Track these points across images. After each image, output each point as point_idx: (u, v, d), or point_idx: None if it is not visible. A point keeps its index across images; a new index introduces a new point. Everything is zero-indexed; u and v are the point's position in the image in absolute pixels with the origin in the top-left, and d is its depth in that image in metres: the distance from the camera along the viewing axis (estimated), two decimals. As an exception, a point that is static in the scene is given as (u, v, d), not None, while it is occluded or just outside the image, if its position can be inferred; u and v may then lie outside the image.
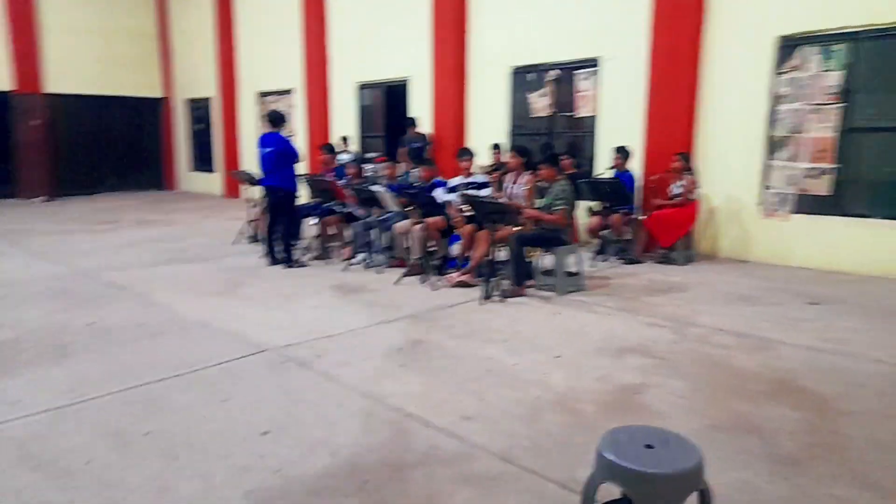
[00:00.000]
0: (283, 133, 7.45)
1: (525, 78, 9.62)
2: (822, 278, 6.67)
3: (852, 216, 6.92)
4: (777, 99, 7.25)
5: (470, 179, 6.91)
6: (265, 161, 7.22)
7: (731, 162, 7.64)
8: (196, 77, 16.50)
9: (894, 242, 6.59)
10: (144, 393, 3.70)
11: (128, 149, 17.26)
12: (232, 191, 15.42)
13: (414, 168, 8.10)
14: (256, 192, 8.29)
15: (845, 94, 6.84)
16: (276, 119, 7.33)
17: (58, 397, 3.63)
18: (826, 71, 6.94)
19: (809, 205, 7.19)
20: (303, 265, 7.35)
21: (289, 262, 7.29)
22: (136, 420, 3.34)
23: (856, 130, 6.86)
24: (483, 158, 8.35)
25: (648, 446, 2.04)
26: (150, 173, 17.82)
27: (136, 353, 4.39)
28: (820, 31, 6.88)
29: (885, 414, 3.37)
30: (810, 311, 5.41)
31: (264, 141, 7.28)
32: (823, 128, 7.00)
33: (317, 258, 7.72)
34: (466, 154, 7.10)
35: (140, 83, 17.08)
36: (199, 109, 16.94)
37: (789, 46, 7.12)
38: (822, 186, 7.07)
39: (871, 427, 3.22)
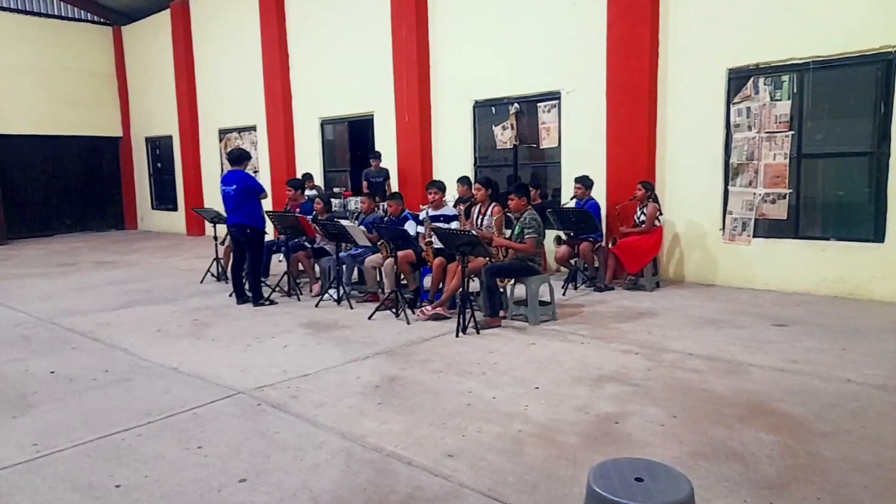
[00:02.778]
0: (247, 170, 7.39)
1: (488, 110, 9.79)
2: (784, 300, 6.86)
3: (808, 238, 7.17)
4: (733, 127, 7.52)
5: (439, 212, 6.94)
6: (229, 199, 7.13)
7: (692, 189, 7.86)
8: (156, 115, 16.33)
9: (847, 263, 6.84)
10: (114, 443, 3.56)
11: (85, 189, 16.92)
12: (196, 229, 15.18)
13: (381, 203, 8.13)
14: (222, 229, 8.17)
15: (795, 121, 7.14)
16: (238, 157, 7.26)
17: (21, 451, 3.47)
18: (776, 100, 7.24)
19: (768, 229, 7.43)
20: (272, 303, 7.23)
21: (257, 300, 7.17)
22: (106, 472, 3.21)
23: (807, 156, 7.15)
24: (452, 191, 8.41)
25: (638, 479, 2.04)
26: (109, 213, 17.48)
27: (103, 401, 4.23)
28: (768, 62, 7.20)
29: (860, 434, 3.45)
30: (776, 333, 5.54)
31: (227, 179, 7.20)
32: (777, 154, 7.28)
33: (286, 295, 7.61)
34: (434, 186, 7.12)
35: (97, 122, 16.82)
36: (159, 147, 16.74)
37: (741, 78, 7.42)
38: (779, 211, 7.31)
39: (847, 447, 3.29)
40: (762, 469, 3.07)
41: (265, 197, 7.34)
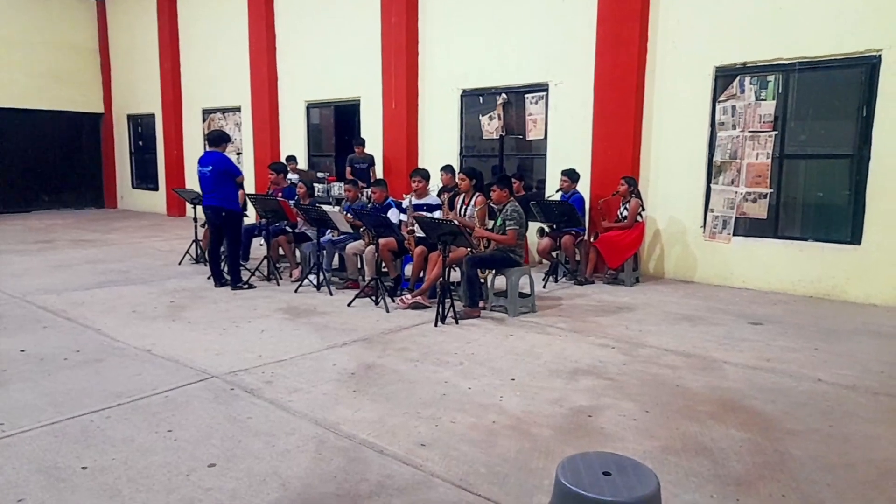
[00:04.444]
0: (228, 152, 7.29)
1: (476, 100, 9.74)
2: (761, 298, 6.93)
3: (787, 238, 7.24)
4: (718, 126, 7.55)
5: (423, 200, 6.90)
6: (205, 181, 7.04)
7: (675, 186, 7.90)
8: (139, 92, 16.05)
9: (824, 264, 6.92)
10: (82, 424, 3.51)
11: (65, 165, 16.63)
12: (176, 209, 15.00)
13: (365, 188, 8.07)
14: (201, 211, 8.07)
15: (779, 122, 7.18)
16: (217, 139, 7.16)
17: (-14, 431, 3.41)
18: (761, 100, 7.27)
19: (748, 228, 7.49)
20: (251, 287, 7.17)
21: (236, 283, 7.10)
22: (72, 454, 3.16)
23: (789, 157, 7.21)
24: (436, 180, 8.36)
25: (606, 473, 2.04)
26: (89, 191, 17.21)
27: (73, 382, 4.17)
28: (755, 62, 7.22)
29: (828, 433, 3.49)
30: (751, 331, 5.59)
31: (204, 160, 7.10)
32: (760, 154, 7.32)
33: (265, 279, 7.55)
34: (418, 174, 7.06)
35: (79, 98, 16.51)
36: (141, 126, 16.48)
37: (727, 76, 7.45)
38: (759, 210, 7.37)
39: (814, 446, 3.33)
40: (730, 465, 3.10)
41: (242, 180, 7.25)
